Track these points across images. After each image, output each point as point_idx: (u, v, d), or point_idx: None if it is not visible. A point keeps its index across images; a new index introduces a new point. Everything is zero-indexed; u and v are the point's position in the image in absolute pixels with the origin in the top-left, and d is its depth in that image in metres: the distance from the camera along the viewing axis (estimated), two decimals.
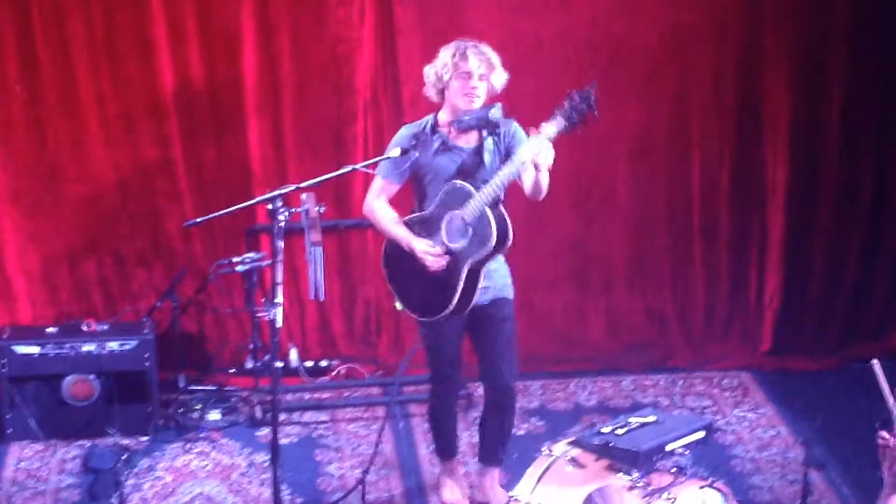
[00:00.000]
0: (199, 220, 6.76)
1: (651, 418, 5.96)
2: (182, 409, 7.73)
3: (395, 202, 6.49)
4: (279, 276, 6.01)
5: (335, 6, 7.88)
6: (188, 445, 7.44)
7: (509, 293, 6.47)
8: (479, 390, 7.58)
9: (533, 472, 5.76)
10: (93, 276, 8.10)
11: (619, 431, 5.82)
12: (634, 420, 5.94)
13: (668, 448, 5.75)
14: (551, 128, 6.00)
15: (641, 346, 8.46)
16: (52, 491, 7.02)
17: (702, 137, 8.28)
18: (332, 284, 8.03)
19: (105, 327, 7.59)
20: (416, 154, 6.28)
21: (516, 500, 5.70)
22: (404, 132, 6.41)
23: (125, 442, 7.40)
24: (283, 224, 6.04)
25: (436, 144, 6.32)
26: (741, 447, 7.38)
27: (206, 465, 7.26)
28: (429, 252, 6.26)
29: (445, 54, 6.26)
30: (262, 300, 7.04)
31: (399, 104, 8.01)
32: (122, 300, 8.12)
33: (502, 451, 6.81)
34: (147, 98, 7.88)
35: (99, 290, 8.12)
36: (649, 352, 8.44)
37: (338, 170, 6.40)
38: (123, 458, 7.16)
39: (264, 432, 7.51)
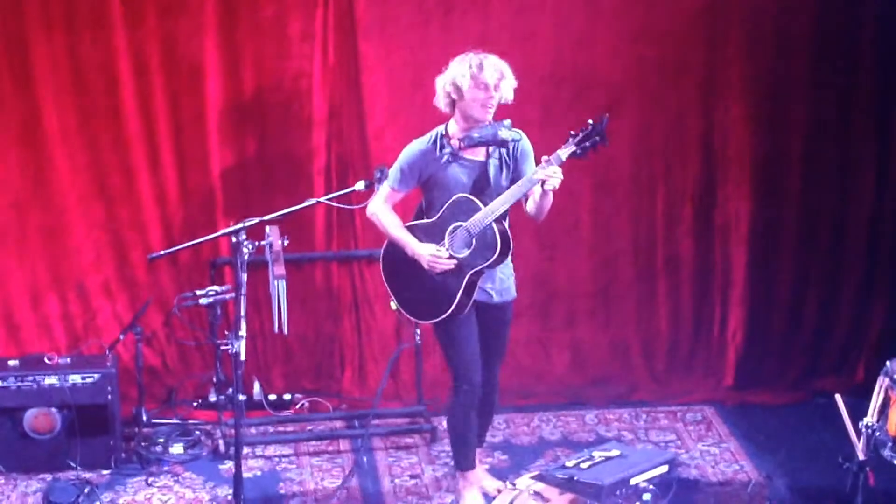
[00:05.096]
0: (163, 252, 6.74)
1: (615, 452, 5.98)
2: (145, 443, 7.68)
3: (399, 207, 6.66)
4: (243, 309, 6.01)
5: (299, 41, 7.89)
6: (151, 479, 7.39)
7: (514, 292, 6.72)
8: (443, 424, 7.59)
9: None
10: (56, 310, 8.06)
11: (583, 465, 5.84)
12: (598, 454, 5.96)
13: (632, 482, 5.76)
14: (564, 153, 6.22)
15: (605, 379, 8.46)
16: None
17: (665, 171, 8.31)
18: (295, 318, 8.01)
19: (67, 360, 7.54)
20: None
21: None
22: (414, 148, 6.52)
23: (87, 476, 7.35)
24: (246, 257, 6.04)
25: (445, 156, 6.42)
26: (704, 481, 7.38)
27: (169, 498, 7.21)
28: (437, 256, 6.40)
29: (461, 66, 6.37)
30: (226, 333, 7.01)
31: (364, 138, 8.02)
32: (86, 333, 8.08)
33: (485, 434, 7.13)
34: (111, 129, 7.87)
35: (62, 324, 8.07)
36: (613, 386, 8.44)
37: (302, 203, 6.40)
38: (85, 491, 7.11)
39: (227, 466, 7.48)
